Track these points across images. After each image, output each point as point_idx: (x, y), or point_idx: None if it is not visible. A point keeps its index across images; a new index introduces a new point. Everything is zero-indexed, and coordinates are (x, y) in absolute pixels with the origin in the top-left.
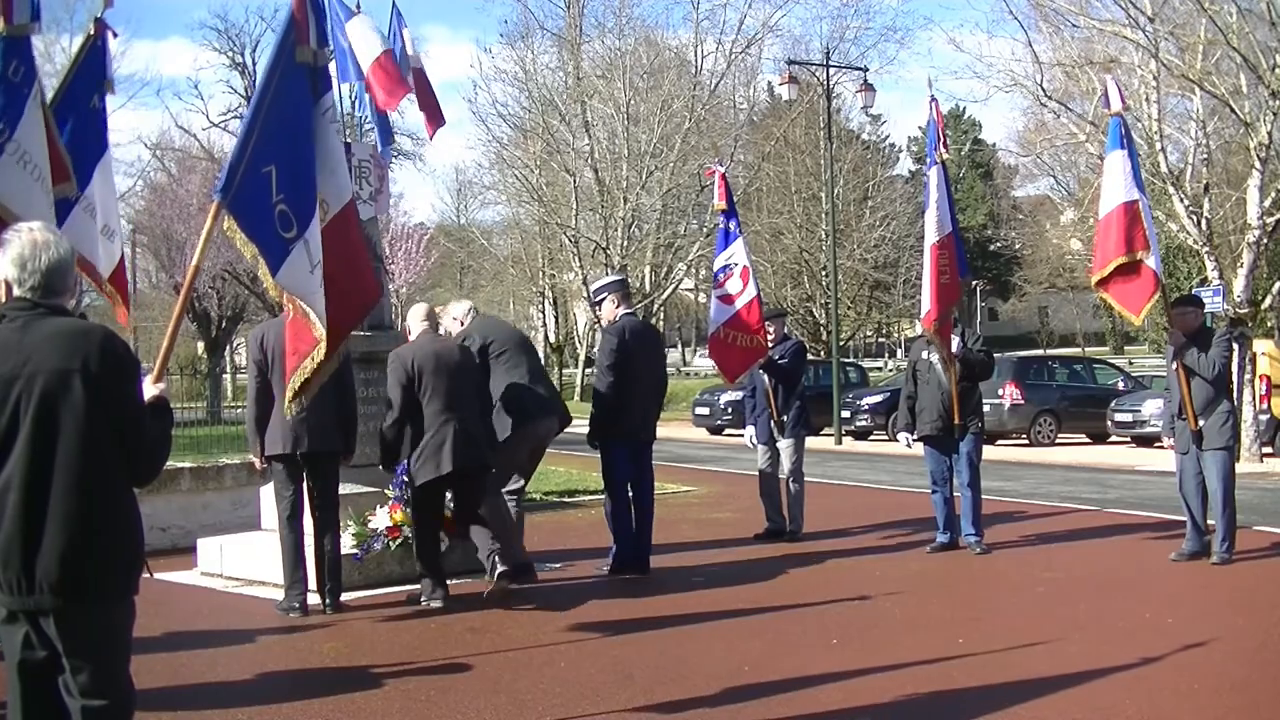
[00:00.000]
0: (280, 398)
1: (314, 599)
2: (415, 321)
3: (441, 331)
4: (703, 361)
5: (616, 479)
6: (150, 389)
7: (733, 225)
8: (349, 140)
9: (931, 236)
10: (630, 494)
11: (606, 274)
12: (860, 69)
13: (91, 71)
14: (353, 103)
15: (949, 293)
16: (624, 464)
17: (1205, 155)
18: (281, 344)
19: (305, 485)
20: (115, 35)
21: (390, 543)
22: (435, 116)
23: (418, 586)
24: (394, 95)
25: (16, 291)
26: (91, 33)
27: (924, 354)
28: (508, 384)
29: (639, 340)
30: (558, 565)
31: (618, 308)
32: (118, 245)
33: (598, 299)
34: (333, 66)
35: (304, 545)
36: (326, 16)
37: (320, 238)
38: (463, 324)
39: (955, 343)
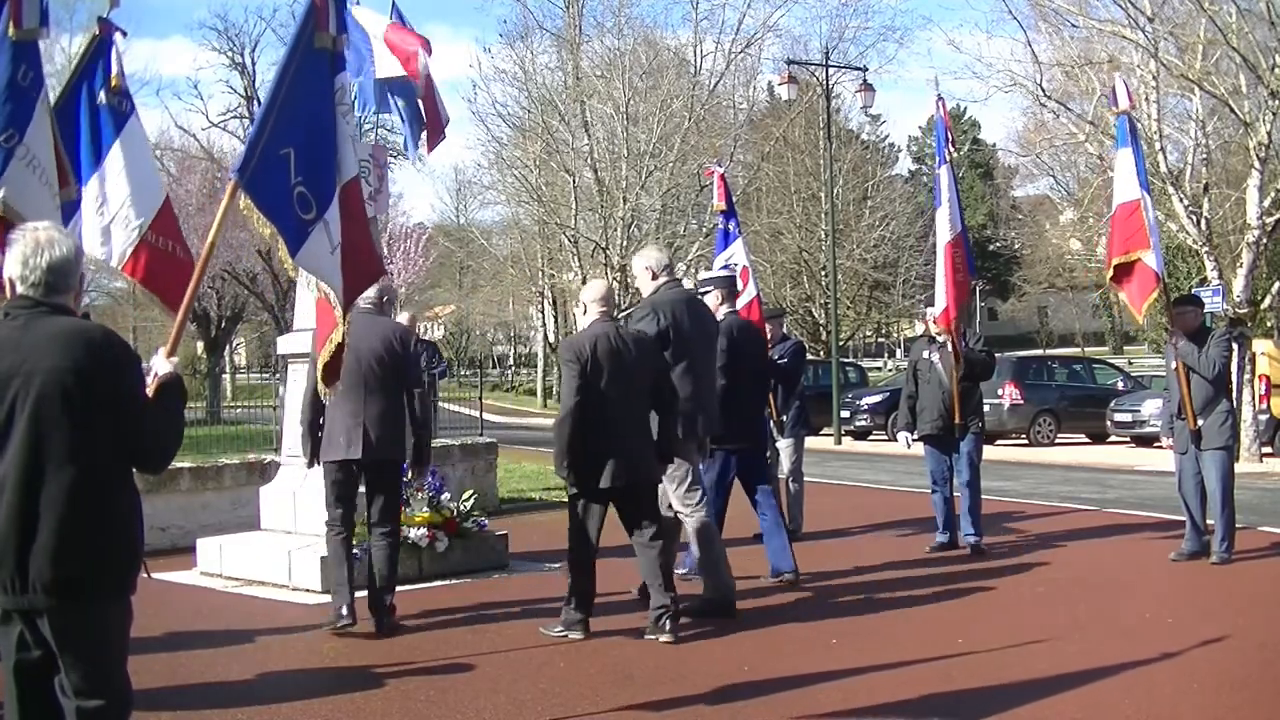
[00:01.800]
0: (339, 403)
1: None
2: (591, 302)
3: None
4: None
5: (722, 490)
6: (163, 364)
7: (732, 226)
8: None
9: (945, 235)
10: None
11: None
12: (859, 69)
13: (96, 70)
14: (352, 103)
15: (962, 291)
16: (731, 473)
17: (1205, 155)
18: (360, 342)
19: (357, 494)
20: (125, 34)
21: None
22: (436, 128)
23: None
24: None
25: (20, 289)
26: (96, 33)
27: (924, 353)
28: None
29: (747, 340)
30: (557, 566)
31: (720, 304)
32: (134, 231)
33: (701, 292)
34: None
35: (350, 548)
36: (344, 3)
37: (340, 219)
38: (654, 276)
39: (950, 342)
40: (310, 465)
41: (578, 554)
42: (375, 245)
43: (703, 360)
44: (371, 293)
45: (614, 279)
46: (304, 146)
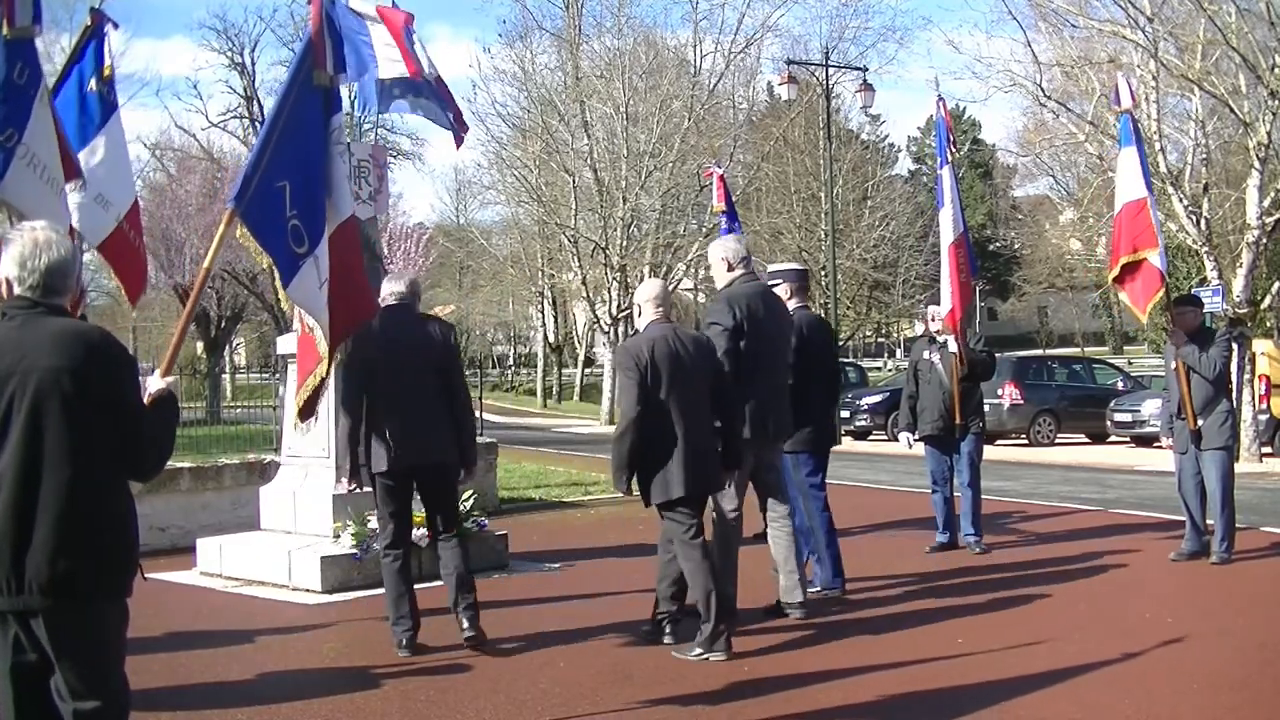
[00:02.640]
0: (382, 407)
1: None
2: (646, 302)
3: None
4: None
5: (817, 492)
6: (158, 382)
7: (735, 226)
8: (349, 140)
9: (948, 235)
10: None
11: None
12: (859, 69)
13: (88, 60)
14: (352, 103)
15: (966, 291)
16: (818, 473)
17: (1204, 155)
18: (382, 341)
19: (410, 506)
20: (116, 27)
21: None
22: (460, 123)
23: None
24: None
25: (17, 290)
26: (89, 24)
27: (925, 354)
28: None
29: (817, 336)
30: (556, 566)
31: (790, 298)
32: (111, 216)
33: (771, 282)
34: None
35: (409, 575)
36: (342, 42)
37: (329, 256)
38: (730, 268)
39: (955, 343)
40: (351, 486)
41: (691, 568)
42: (371, 285)
43: (778, 357)
44: (401, 286)
45: (613, 279)
46: (299, 181)
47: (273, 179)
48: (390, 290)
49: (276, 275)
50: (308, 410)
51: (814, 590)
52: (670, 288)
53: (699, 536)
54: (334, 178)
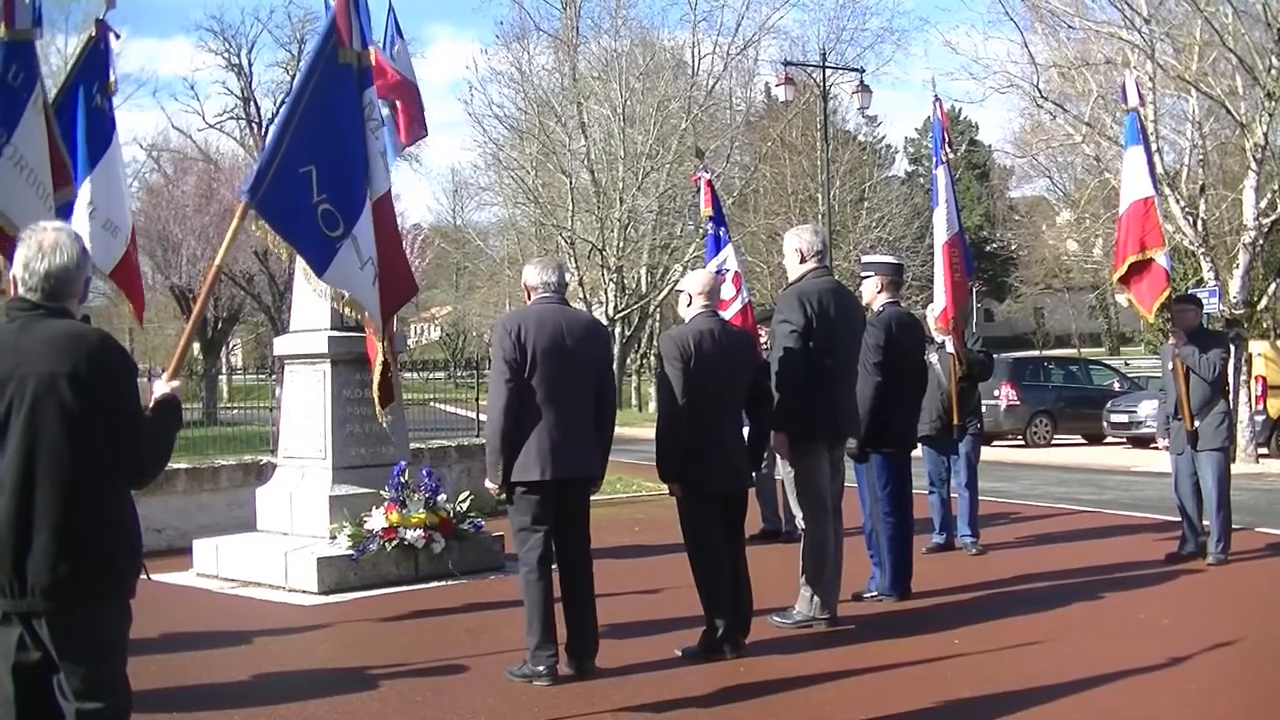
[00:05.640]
0: (539, 405)
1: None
2: (698, 294)
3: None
4: None
5: (891, 493)
6: (163, 386)
7: (722, 232)
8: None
9: (942, 236)
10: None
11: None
12: (856, 70)
13: (93, 72)
14: (380, 117)
15: (960, 291)
16: (893, 476)
17: (1201, 156)
18: (544, 337)
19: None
20: (118, 37)
21: (386, 544)
22: (419, 124)
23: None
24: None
25: (20, 291)
26: (93, 34)
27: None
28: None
29: (906, 334)
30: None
31: (880, 292)
32: (120, 241)
33: (863, 275)
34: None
35: (552, 596)
36: (369, 17)
37: (371, 233)
38: (803, 259)
39: (952, 343)
40: (504, 492)
41: (705, 567)
42: (408, 261)
43: (848, 355)
44: (552, 276)
45: (610, 280)
46: (327, 163)
47: (295, 165)
48: (541, 280)
49: (305, 265)
50: (386, 397)
51: (869, 594)
52: (667, 290)
53: (710, 537)
54: (369, 154)
